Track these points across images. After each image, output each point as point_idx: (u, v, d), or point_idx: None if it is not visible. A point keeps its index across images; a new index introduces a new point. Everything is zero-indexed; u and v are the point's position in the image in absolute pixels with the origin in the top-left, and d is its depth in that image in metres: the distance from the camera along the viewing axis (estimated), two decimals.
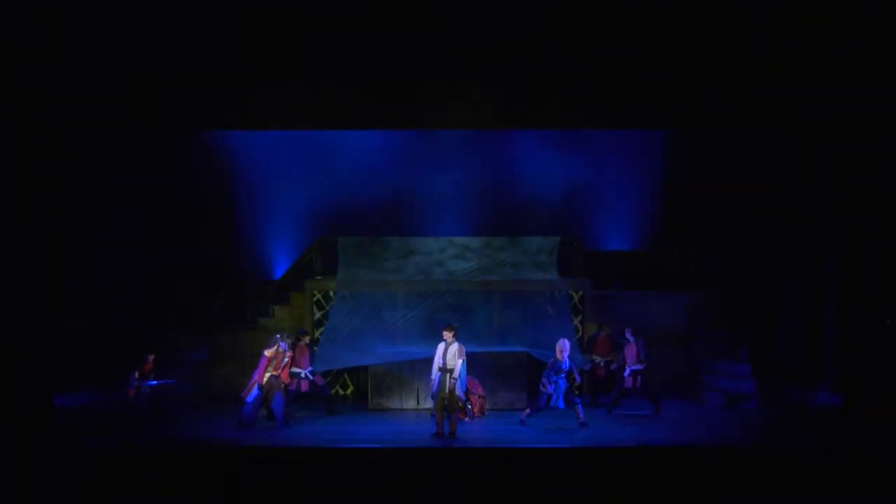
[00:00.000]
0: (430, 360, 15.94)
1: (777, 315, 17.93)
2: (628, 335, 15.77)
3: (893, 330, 13.81)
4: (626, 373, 15.59)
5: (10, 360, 13.22)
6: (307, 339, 15.96)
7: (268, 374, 14.58)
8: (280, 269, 19.15)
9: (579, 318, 17.82)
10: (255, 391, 14.54)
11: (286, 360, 14.79)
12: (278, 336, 14.94)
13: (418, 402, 16.33)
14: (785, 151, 17.58)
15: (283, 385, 14.75)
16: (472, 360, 16.01)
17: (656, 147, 18.97)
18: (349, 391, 17.96)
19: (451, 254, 18.12)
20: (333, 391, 17.84)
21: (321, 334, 17.59)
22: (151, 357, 15.69)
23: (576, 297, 17.89)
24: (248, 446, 13.31)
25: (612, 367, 16.29)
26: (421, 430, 14.56)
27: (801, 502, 11.22)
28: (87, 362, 16.58)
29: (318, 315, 17.93)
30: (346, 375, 17.95)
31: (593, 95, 15.99)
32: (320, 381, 16.07)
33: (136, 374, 15.45)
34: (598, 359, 16.57)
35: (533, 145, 19.05)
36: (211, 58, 14.98)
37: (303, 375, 15.60)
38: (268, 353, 14.68)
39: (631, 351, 15.61)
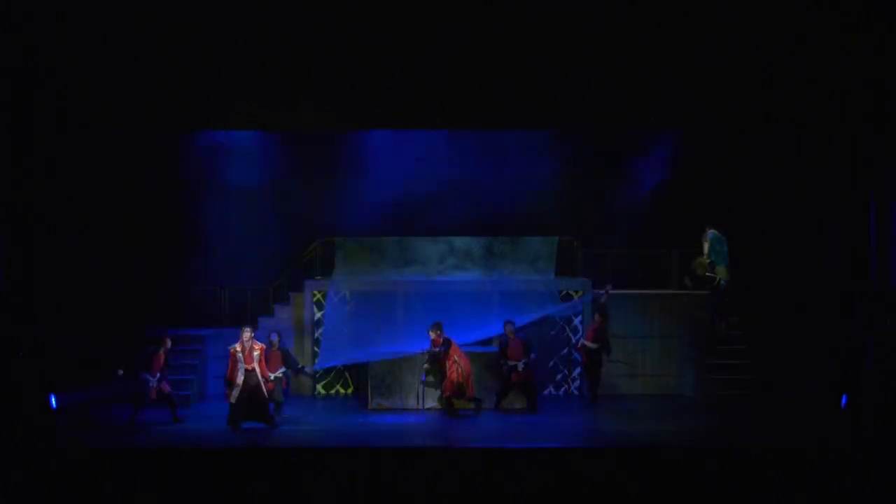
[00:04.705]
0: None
1: (776, 314, 17.91)
2: (510, 330, 15.97)
3: (893, 330, 13.83)
4: (520, 367, 15.70)
5: (10, 360, 13.24)
6: (278, 340, 15.31)
7: (240, 371, 14.24)
8: (280, 269, 19.11)
9: (579, 317, 17.84)
10: (235, 391, 14.27)
11: (257, 352, 14.35)
12: (247, 329, 14.54)
13: (418, 402, 16.33)
14: (785, 150, 17.57)
15: (264, 380, 14.36)
16: (470, 361, 16.02)
17: (657, 147, 18.96)
18: (349, 391, 17.96)
19: (451, 259, 18.14)
20: (334, 391, 17.89)
21: (321, 334, 17.70)
22: (163, 352, 15.09)
23: (576, 297, 17.91)
24: (248, 446, 13.31)
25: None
26: (421, 430, 14.57)
27: (801, 502, 11.22)
28: (87, 362, 16.55)
29: (318, 315, 17.95)
30: (346, 375, 17.95)
31: (594, 96, 16.02)
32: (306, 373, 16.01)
33: (155, 374, 14.84)
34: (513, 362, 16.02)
35: (533, 145, 19.03)
36: (210, 58, 15.01)
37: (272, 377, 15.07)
38: (231, 348, 14.45)
39: (515, 345, 15.78)
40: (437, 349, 15.58)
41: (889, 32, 13.86)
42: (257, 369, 14.33)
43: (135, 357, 14.96)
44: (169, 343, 15.27)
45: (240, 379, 14.26)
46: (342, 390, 17.94)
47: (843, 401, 14.42)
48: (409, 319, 17.43)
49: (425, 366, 16.06)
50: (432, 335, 15.67)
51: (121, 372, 14.79)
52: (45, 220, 14.54)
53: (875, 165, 14.45)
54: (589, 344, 16.30)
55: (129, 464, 11.92)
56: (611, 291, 16.57)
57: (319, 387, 17.91)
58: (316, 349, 17.88)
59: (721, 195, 18.40)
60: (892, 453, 12.06)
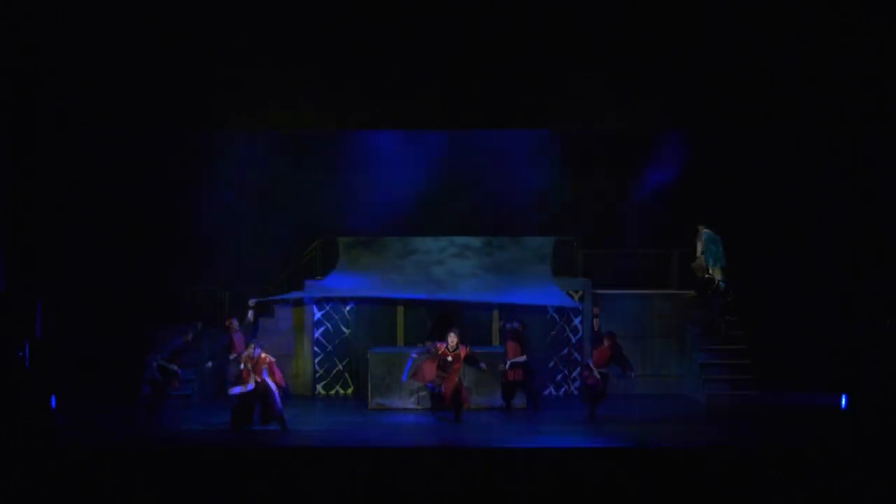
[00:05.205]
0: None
1: (776, 314, 17.92)
2: (511, 326, 16.00)
3: (893, 330, 13.82)
4: (507, 366, 15.75)
5: (10, 360, 13.24)
6: (238, 325, 15.76)
7: (251, 382, 14.21)
8: (280, 269, 19.11)
9: (579, 317, 17.84)
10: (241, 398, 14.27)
11: (265, 366, 14.32)
12: (251, 344, 14.58)
13: (418, 402, 16.32)
14: (785, 150, 17.58)
15: (275, 387, 14.33)
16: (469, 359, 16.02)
17: (657, 146, 18.96)
18: (349, 391, 17.95)
19: (452, 253, 18.15)
20: (334, 391, 17.88)
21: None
22: (185, 340, 15.33)
23: (575, 297, 17.90)
24: (248, 446, 13.31)
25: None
26: (421, 430, 14.57)
27: (801, 502, 11.22)
28: (87, 362, 16.56)
29: (318, 315, 17.95)
30: (346, 375, 17.95)
31: (594, 96, 16.02)
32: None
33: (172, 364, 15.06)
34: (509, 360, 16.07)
35: (533, 145, 19.03)
36: (210, 58, 15.01)
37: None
38: (242, 356, 14.44)
39: (512, 345, 15.83)
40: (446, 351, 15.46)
41: (889, 32, 13.87)
42: (268, 381, 14.29)
43: (165, 349, 15.15)
44: (191, 336, 15.53)
45: (249, 388, 14.18)
46: (342, 390, 17.94)
47: (843, 401, 14.42)
48: (409, 318, 17.45)
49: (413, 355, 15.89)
50: (451, 340, 15.44)
51: (155, 364, 14.90)
52: (45, 220, 14.53)
53: (875, 165, 14.46)
54: (600, 370, 15.68)
55: (129, 464, 11.92)
56: (599, 314, 16.17)
57: (319, 387, 17.91)
58: (316, 349, 17.88)
59: (721, 195, 18.39)
60: (892, 453, 12.05)
